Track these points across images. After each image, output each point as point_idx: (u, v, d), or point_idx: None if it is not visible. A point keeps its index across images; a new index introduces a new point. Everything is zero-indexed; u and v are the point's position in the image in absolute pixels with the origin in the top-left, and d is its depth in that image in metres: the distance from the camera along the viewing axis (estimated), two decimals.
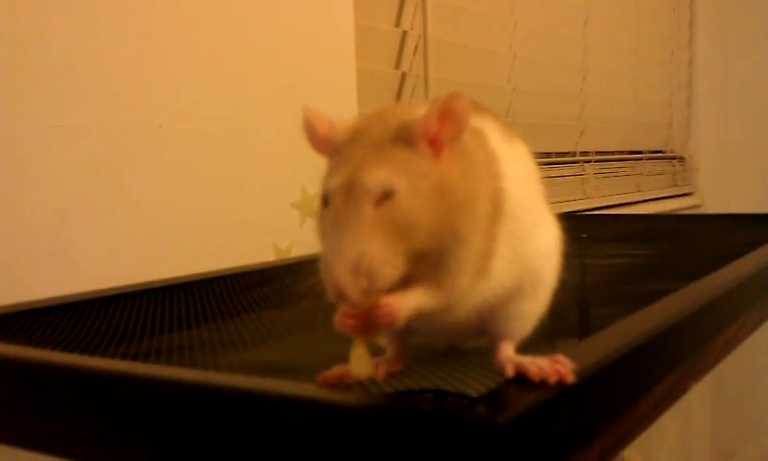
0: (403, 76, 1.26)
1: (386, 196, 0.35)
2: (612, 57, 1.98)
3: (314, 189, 1.03)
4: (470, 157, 0.39)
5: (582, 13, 1.83)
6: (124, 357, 0.55)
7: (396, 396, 0.41)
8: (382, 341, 0.38)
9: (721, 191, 2.46)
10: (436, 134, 0.37)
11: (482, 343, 0.44)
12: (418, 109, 0.38)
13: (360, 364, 0.38)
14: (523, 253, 0.41)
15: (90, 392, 0.42)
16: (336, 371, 0.41)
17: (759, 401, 2.11)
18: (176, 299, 0.75)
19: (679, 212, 2.16)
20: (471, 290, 0.38)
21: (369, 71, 1.15)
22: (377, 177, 0.36)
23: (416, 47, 1.27)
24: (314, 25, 1.02)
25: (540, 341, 0.44)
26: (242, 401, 0.36)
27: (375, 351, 0.39)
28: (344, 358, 0.41)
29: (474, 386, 0.40)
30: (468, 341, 0.48)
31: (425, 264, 0.37)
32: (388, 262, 0.35)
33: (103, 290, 0.72)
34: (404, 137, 0.37)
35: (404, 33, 1.26)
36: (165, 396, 0.39)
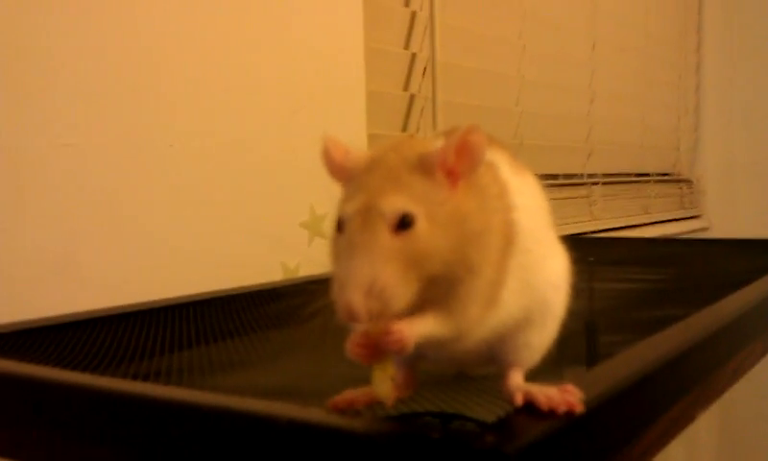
0: (412, 98, 1.26)
1: (402, 223, 0.36)
2: (619, 80, 1.99)
3: (323, 209, 1.03)
4: (485, 190, 0.39)
5: (590, 37, 1.83)
6: (129, 377, 0.55)
7: (403, 418, 0.41)
8: (393, 370, 0.38)
9: (728, 214, 2.45)
10: (453, 167, 0.37)
11: (491, 370, 0.44)
12: (433, 142, 0.38)
13: (383, 387, 0.38)
14: (533, 284, 0.41)
15: (95, 412, 0.42)
16: (347, 395, 0.41)
17: (767, 429, 2.09)
18: (182, 318, 0.75)
19: (686, 235, 2.16)
20: (481, 320, 0.39)
21: (378, 93, 1.15)
22: (394, 203, 0.36)
23: (424, 69, 1.28)
24: (324, 47, 1.03)
25: (548, 368, 0.44)
26: (250, 425, 0.36)
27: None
28: (352, 382, 0.41)
29: (483, 413, 0.40)
30: (477, 368, 0.48)
31: (436, 291, 0.37)
32: (401, 288, 0.35)
33: (108, 308, 0.72)
34: (422, 167, 0.37)
35: (413, 55, 1.27)
36: (171, 418, 0.39)
